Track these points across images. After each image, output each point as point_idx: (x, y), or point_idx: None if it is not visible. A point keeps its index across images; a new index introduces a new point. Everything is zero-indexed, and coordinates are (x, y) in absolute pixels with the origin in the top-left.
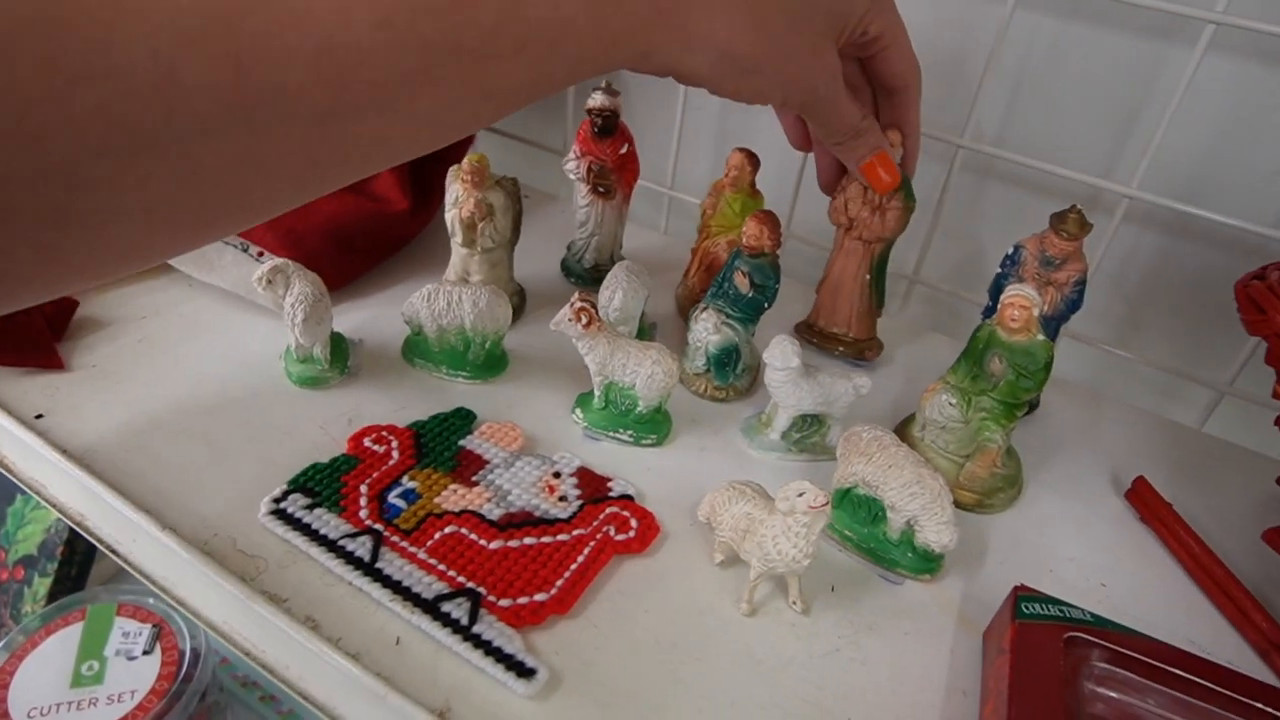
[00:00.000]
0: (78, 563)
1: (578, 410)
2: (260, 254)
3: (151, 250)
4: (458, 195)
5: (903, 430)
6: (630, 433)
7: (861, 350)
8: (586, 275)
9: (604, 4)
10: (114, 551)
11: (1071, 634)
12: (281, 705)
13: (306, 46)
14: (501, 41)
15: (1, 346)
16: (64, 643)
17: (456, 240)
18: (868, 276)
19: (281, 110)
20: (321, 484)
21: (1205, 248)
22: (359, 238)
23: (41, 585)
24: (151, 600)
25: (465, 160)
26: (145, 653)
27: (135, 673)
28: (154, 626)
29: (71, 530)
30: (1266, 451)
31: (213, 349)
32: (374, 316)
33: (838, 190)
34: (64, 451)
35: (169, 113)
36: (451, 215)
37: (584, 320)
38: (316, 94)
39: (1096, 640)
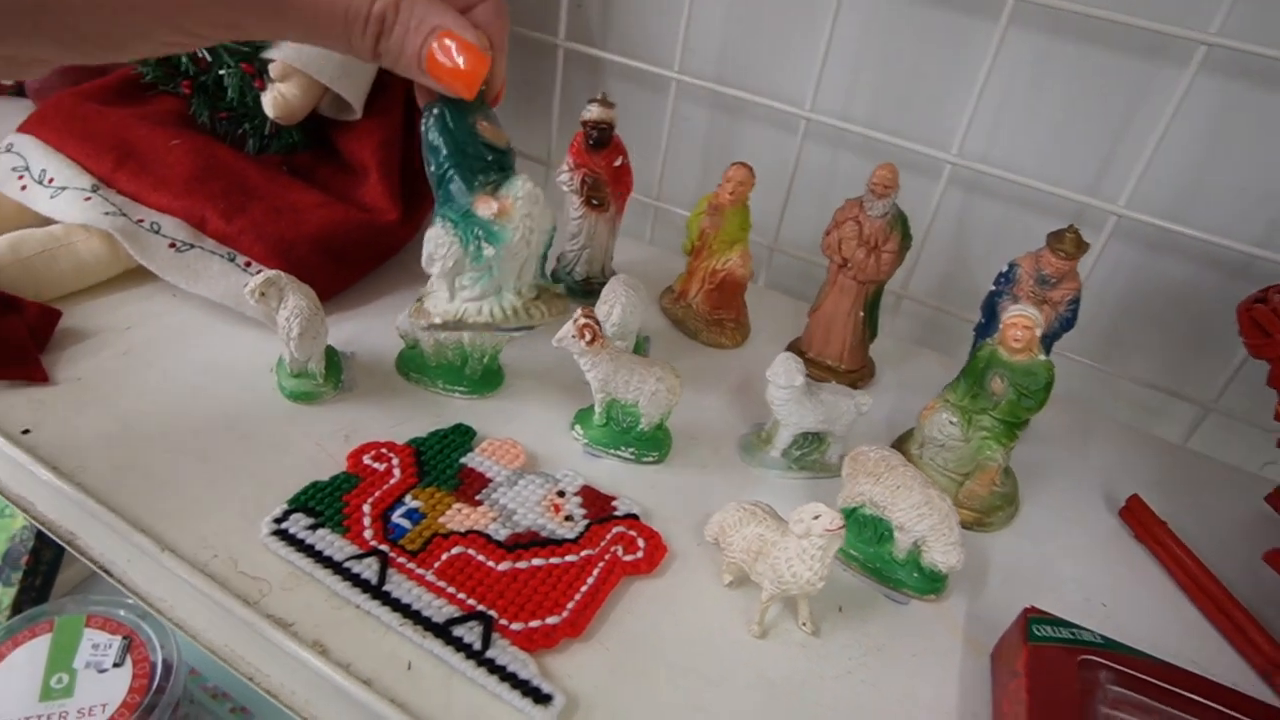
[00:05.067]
0: (43, 572)
1: (577, 426)
2: (248, 264)
3: None
4: None
5: (900, 447)
6: (631, 450)
7: (854, 381)
8: (577, 288)
9: None
10: (108, 572)
11: (1084, 657)
12: (253, 718)
13: None
14: None
15: None
16: (32, 655)
17: None
18: (861, 313)
19: None
20: (323, 503)
21: (1188, 265)
22: (349, 248)
23: (5, 595)
24: (121, 611)
25: None
26: (116, 665)
27: (106, 686)
28: (124, 638)
29: (38, 538)
30: (1248, 466)
31: (200, 361)
32: (365, 329)
33: (831, 226)
34: (55, 469)
35: None
36: None
37: (588, 337)
38: None
39: (1108, 663)
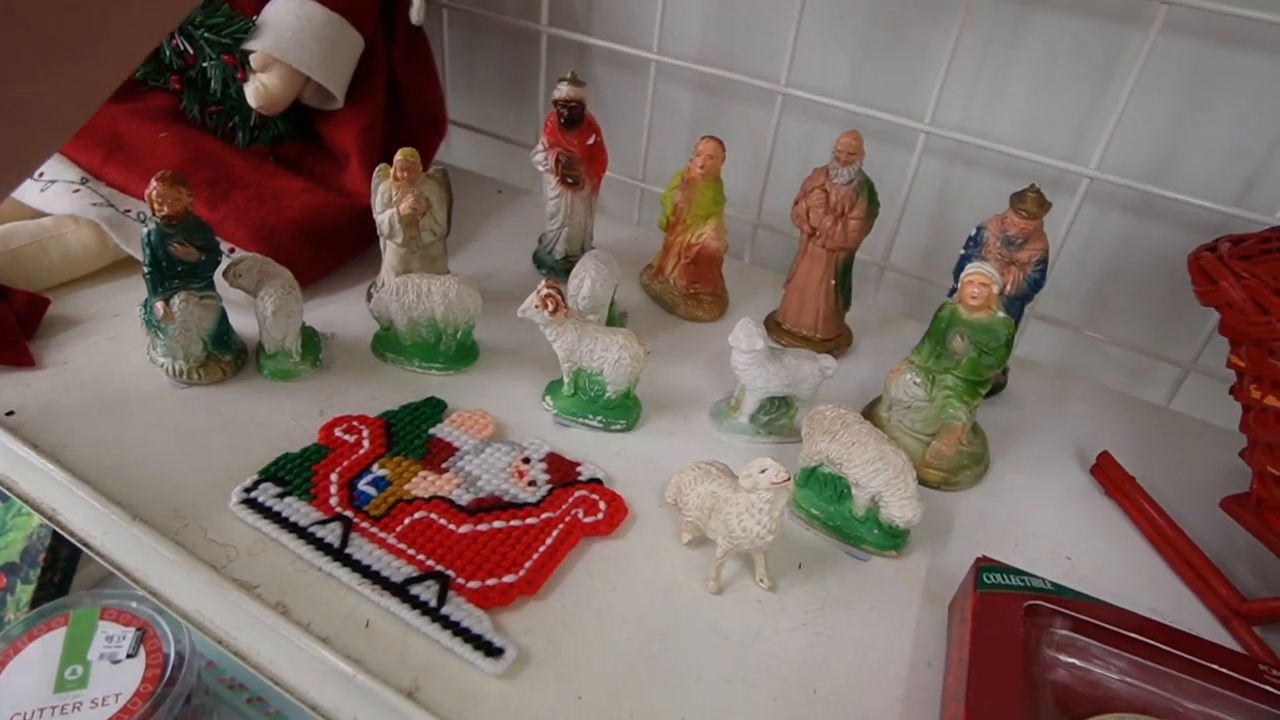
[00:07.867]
0: (61, 569)
1: (547, 398)
2: (231, 249)
3: None
4: (391, 194)
5: (870, 412)
6: (599, 418)
7: (831, 350)
8: (558, 266)
9: None
10: (86, 545)
11: (1032, 602)
12: (269, 706)
13: None
14: None
15: None
16: (47, 648)
17: (395, 240)
18: (832, 281)
19: None
20: (292, 473)
21: (1168, 227)
22: (330, 232)
23: (25, 592)
24: (135, 604)
25: (397, 157)
26: (129, 656)
27: (119, 676)
28: (138, 630)
29: (55, 536)
30: (1230, 425)
31: None
32: (346, 311)
33: (800, 195)
34: (35, 447)
35: None
36: (387, 215)
37: (550, 307)
38: None
39: (1057, 608)
